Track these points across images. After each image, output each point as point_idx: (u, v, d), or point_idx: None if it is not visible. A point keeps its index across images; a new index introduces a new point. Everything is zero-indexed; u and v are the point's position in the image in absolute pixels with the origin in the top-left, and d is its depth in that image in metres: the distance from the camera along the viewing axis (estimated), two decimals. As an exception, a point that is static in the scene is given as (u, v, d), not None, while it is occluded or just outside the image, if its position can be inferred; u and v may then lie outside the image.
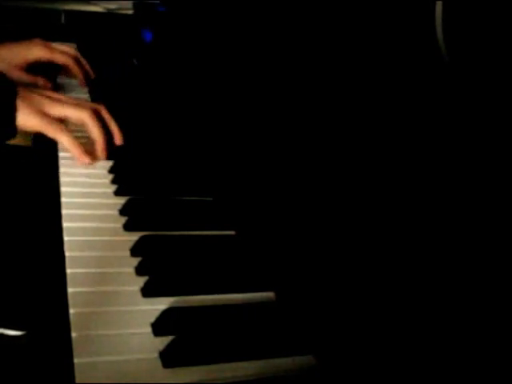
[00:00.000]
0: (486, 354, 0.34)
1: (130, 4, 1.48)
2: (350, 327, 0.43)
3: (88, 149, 0.72)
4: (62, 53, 0.98)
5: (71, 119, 0.72)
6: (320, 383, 0.42)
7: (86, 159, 0.70)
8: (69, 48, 1.02)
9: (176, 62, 1.05)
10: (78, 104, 0.73)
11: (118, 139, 0.76)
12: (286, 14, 0.64)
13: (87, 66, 1.04)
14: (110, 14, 1.53)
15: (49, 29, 1.49)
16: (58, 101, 0.72)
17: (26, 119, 0.68)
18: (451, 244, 0.38)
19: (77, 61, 1.01)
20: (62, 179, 0.66)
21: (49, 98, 0.72)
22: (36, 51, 0.95)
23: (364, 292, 0.44)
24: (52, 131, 0.69)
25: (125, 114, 0.95)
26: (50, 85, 0.97)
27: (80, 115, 0.71)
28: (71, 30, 1.49)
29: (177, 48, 1.06)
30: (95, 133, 0.72)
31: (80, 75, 1.02)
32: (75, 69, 1.01)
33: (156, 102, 1.02)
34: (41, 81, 0.96)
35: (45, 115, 0.69)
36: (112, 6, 1.54)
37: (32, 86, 0.93)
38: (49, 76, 0.99)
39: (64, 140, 0.69)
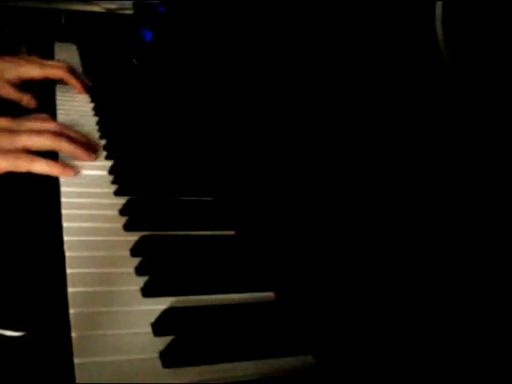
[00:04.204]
0: (486, 354, 0.34)
1: (129, 4, 1.48)
2: (349, 327, 0.43)
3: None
4: (54, 67, 1.00)
5: (34, 148, 0.68)
6: (320, 383, 0.42)
7: (70, 173, 0.68)
8: (61, 62, 1.04)
9: (176, 61, 1.05)
10: (38, 131, 0.69)
11: (84, 142, 0.74)
12: (286, 14, 0.64)
13: (82, 77, 1.07)
14: (109, 14, 1.54)
15: (49, 29, 1.49)
16: (15, 133, 0.68)
17: None
18: (451, 244, 0.38)
19: (71, 71, 1.03)
20: (62, 179, 0.66)
21: (2, 132, 0.67)
22: (31, 70, 0.97)
23: (364, 292, 0.44)
24: (23, 165, 0.65)
25: (125, 114, 0.96)
26: (34, 102, 0.97)
27: (43, 143, 0.68)
28: (71, 30, 1.49)
29: (177, 48, 1.06)
30: (67, 151, 0.70)
31: (77, 85, 1.04)
32: (71, 80, 1.03)
33: (156, 102, 1.02)
34: (25, 98, 0.97)
35: (8, 152, 0.65)
36: (112, 5, 1.54)
37: (16, 103, 0.96)
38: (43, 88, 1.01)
39: (39, 168, 0.65)
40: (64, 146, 0.69)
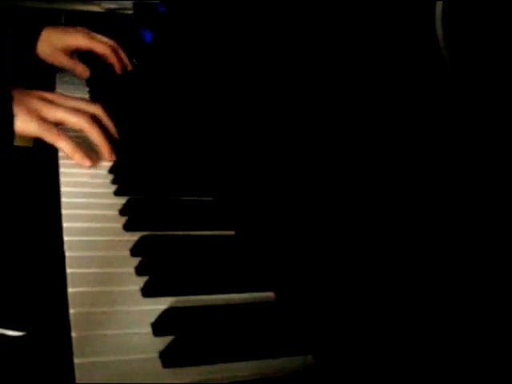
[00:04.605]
0: (486, 353, 0.34)
1: (130, 4, 1.48)
2: (349, 327, 0.43)
3: (88, 151, 0.71)
4: (101, 43, 1.02)
5: (69, 124, 0.71)
6: (319, 383, 0.42)
7: (87, 162, 0.69)
8: (108, 40, 1.05)
9: (176, 61, 1.05)
10: (76, 109, 0.71)
11: (116, 138, 0.76)
12: (286, 14, 0.64)
13: (125, 59, 1.07)
14: (109, 14, 1.53)
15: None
16: (56, 104, 0.71)
17: (25, 125, 0.67)
18: (451, 244, 0.38)
19: (115, 51, 1.04)
20: (62, 179, 0.66)
21: (46, 101, 0.70)
22: (78, 39, 0.99)
23: (364, 292, 0.44)
24: (51, 137, 0.67)
25: (125, 114, 0.95)
26: (87, 72, 1.01)
27: (78, 122, 0.70)
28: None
29: (177, 48, 1.06)
30: (96, 138, 0.71)
31: (116, 64, 1.05)
32: (113, 59, 1.04)
33: (156, 101, 1.02)
34: (79, 66, 1.00)
35: (43, 120, 0.68)
36: (112, 5, 1.54)
37: (69, 71, 1.01)
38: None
39: (63, 146, 0.68)
40: (94, 134, 0.71)
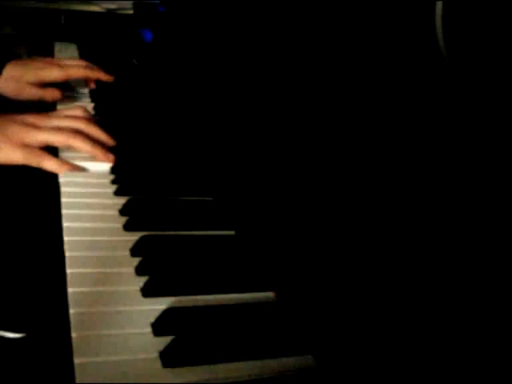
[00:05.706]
0: (486, 354, 0.34)
1: (130, 4, 1.48)
2: (349, 327, 0.43)
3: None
4: (74, 67, 1.00)
5: (53, 144, 0.70)
6: (319, 383, 0.42)
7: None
8: (78, 60, 1.03)
9: (176, 61, 1.05)
10: (58, 128, 0.71)
11: (109, 144, 0.76)
12: (286, 14, 0.64)
13: (100, 72, 1.05)
14: (109, 14, 1.53)
15: (49, 29, 1.49)
16: (38, 127, 0.70)
17: (8, 155, 0.66)
18: (451, 244, 0.38)
19: (89, 68, 1.02)
20: (62, 179, 0.66)
21: (27, 125, 0.70)
22: (51, 73, 0.97)
23: (364, 292, 0.44)
24: (35, 161, 0.67)
25: (125, 114, 0.96)
26: (58, 94, 0.97)
27: (62, 140, 0.70)
28: (71, 30, 1.49)
29: (177, 48, 1.06)
30: (85, 149, 0.71)
31: (102, 77, 1.03)
32: (94, 75, 1.02)
33: (156, 102, 1.02)
34: (49, 94, 0.97)
35: (25, 147, 0.67)
36: (112, 5, 1.54)
37: (41, 100, 0.96)
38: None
39: (49, 166, 0.68)
40: (79, 145, 0.71)
